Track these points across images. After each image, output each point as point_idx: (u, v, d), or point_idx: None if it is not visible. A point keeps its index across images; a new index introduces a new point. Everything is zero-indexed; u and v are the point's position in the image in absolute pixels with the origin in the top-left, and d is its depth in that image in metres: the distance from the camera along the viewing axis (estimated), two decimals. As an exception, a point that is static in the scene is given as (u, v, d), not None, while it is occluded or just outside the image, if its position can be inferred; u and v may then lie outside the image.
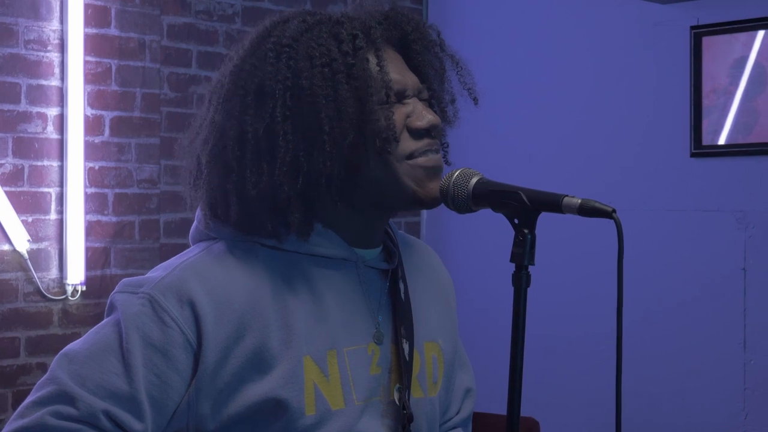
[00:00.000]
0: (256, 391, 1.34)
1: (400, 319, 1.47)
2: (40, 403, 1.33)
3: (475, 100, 1.50)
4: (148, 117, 3.59)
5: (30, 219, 3.31)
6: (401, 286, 1.49)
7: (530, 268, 1.36)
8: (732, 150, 3.58)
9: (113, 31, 3.51)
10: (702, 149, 3.64)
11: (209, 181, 1.39)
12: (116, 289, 1.41)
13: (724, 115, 3.58)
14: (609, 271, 3.69)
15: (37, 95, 3.34)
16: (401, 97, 1.40)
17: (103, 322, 1.39)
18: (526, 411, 1.71)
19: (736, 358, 3.57)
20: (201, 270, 1.37)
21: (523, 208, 1.36)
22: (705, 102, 3.62)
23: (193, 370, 1.34)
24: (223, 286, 1.36)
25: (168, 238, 3.58)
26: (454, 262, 4.08)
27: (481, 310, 4.05)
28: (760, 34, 3.50)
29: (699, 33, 3.63)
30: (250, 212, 1.37)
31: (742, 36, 3.54)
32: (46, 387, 1.34)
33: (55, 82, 3.37)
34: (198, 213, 1.47)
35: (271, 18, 1.44)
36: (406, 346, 1.46)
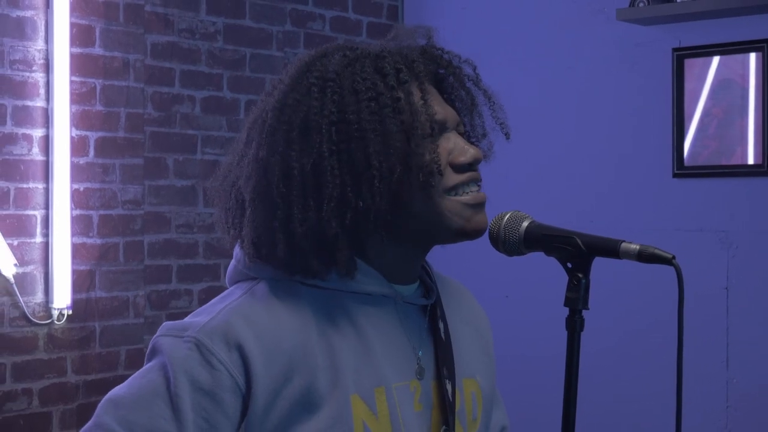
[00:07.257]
0: (304, 431, 1.34)
1: (441, 358, 1.47)
2: None
3: (507, 135, 1.52)
4: (132, 137, 3.55)
5: (16, 242, 3.25)
6: (441, 324, 1.49)
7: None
8: (714, 171, 3.62)
9: (98, 50, 3.46)
10: (684, 170, 3.68)
11: (254, 219, 1.37)
12: (159, 332, 1.39)
13: (707, 135, 3.63)
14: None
15: (23, 116, 3.28)
16: (442, 130, 1.41)
17: (147, 366, 1.37)
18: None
19: (718, 376, 3.62)
20: (247, 313, 1.36)
21: (578, 253, 1.38)
22: (687, 123, 3.67)
23: (242, 414, 1.33)
24: (271, 328, 1.35)
25: (152, 259, 3.53)
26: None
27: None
28: (743, 56, 3.55)
29: (681, 55, 3.67)
30: (297, 250, 1.36)
31: (724, 58, 3.58)
32: None
33: (40, 103, 3.31)
34: (236, 252, 1.45)
35: (309, 53, 1.43)
36: (449, 386, 1.46)
